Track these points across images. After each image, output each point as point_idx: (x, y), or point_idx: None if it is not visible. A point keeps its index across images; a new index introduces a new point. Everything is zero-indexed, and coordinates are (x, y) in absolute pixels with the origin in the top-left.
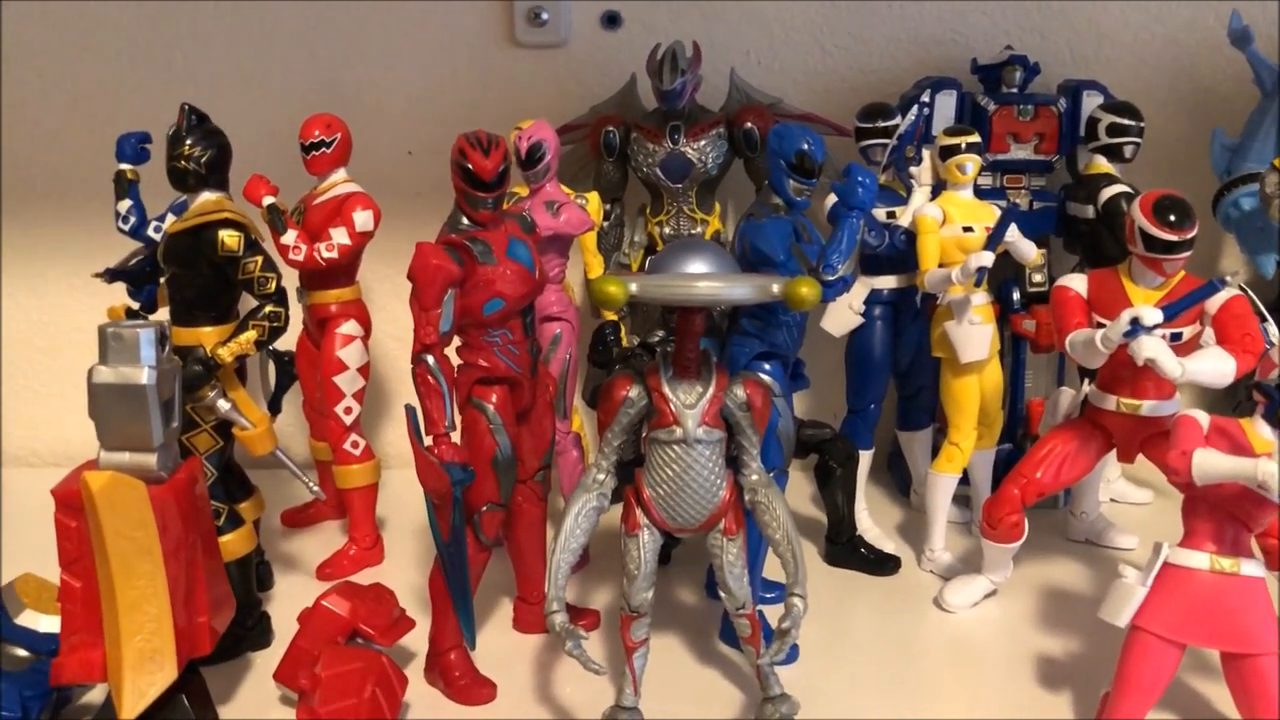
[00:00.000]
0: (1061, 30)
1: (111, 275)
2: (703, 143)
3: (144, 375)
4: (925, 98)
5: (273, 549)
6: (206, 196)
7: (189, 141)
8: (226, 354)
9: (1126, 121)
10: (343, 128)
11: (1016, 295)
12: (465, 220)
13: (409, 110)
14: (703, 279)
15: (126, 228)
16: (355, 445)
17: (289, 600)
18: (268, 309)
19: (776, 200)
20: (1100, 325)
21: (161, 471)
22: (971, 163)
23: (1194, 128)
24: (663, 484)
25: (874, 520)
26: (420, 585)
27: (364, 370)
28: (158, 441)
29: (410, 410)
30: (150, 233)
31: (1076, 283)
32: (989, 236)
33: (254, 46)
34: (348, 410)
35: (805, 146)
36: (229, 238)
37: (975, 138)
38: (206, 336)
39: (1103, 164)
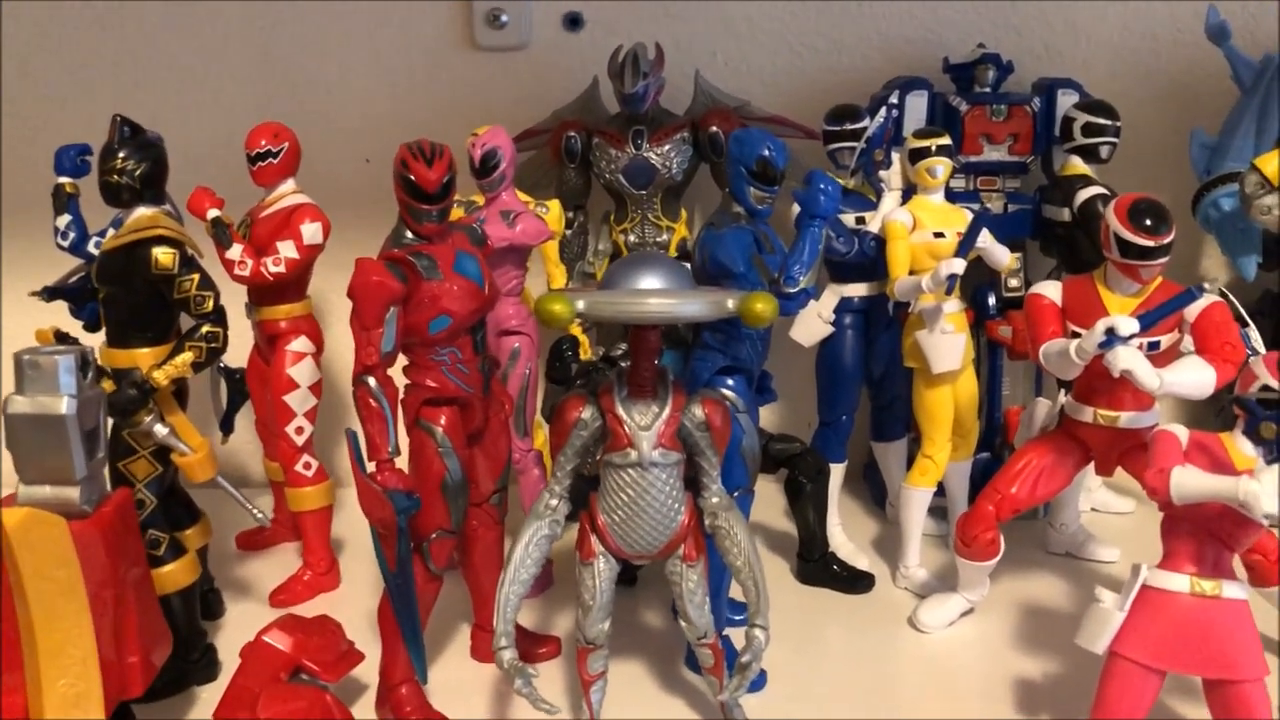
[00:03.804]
0: (1038, 28)
1: (50, 294)
2: (667, 148)
3: (63, 405)
4: (894, 99)
5: (225, 574)
6: (141, 212)
7: (121, 155)
8: (162, 377)
9: (1102, 121)
10: (290, 136)
11: (992, 301)
12: (409, 234)
13: (366, 116)
14: (654, 295)
15: (66, 244)
16: (308, 466)
17: (240, 629)
18: (205, 329)
19: (737, 209)
20: (1075, 334)
21: (85, 505)
22: (942, 166)
23: (1172, 126)
24: (618, 509)
25: (849, 534)
26: None
27: (316, 388)
28: (80, 474)
29: (351, 434)
30: (91, 248)
31: (1050, 290)
32: (959, 243)
33: (204, 52)
34: (299, 430)
35: (766, 153)
36: (163, 255)
37: (945, 140)
38: (143, 358)
39: (1078, 165)
